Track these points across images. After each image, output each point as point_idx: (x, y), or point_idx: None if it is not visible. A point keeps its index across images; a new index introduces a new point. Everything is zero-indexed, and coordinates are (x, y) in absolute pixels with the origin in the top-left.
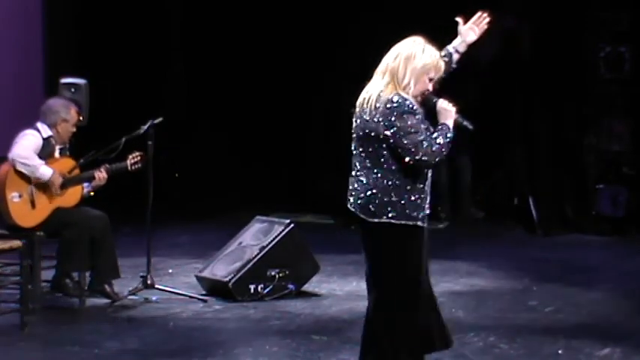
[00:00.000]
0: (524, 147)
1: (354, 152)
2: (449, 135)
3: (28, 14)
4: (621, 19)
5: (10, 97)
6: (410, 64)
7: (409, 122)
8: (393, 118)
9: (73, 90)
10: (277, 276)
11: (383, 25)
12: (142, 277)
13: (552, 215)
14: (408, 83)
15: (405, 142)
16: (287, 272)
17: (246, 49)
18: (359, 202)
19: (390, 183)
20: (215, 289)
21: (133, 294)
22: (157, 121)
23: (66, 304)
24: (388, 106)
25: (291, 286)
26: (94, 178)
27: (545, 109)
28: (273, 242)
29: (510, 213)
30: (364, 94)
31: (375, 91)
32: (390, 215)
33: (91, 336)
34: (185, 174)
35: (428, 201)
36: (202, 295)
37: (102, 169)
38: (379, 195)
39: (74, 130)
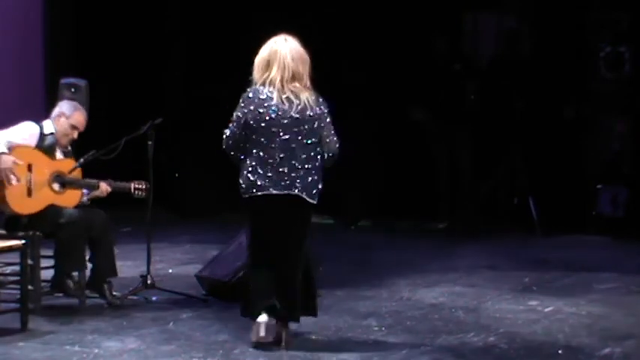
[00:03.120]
0: (524, 147)
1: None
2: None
3: (28, 14)
4: (621, 20)
5: (10, 97)
6: (307, 65)
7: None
8: (327, 113)
9: (73, 90)
10: None
11: None
12: (141, 277)
13: (552, 215)
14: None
15: (331, 135)
16: None
17: (246, 48)
18: (300, 188)
19: (320, 172)
20: (215, 289)
21: (133, 294)
22: (157, 121)
23: (66, 304)
24: (318, 101)
25: None
26: (96, 187)
27: (545, 109)
28: None
29: (510, 213)
30: (296, 100)
31: (307, 95)
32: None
33: (91, 336)
34: (185, 174)
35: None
36: (202, 295)
37: (108, 183)
38: (314, 181)
39: (73, 133)
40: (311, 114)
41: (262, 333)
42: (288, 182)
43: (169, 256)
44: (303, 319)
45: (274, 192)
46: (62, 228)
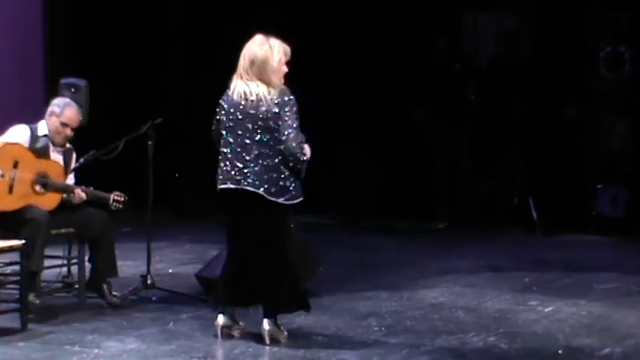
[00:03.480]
0: (524, 147)
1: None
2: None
3: (28, 14)
4: (621, 20)
5: (10, 97)
6: (268, 66)
7: (294, 115)
8: (287, 109)
9: (73, 90)
10: None
11: None
12: (141, 277)
13: (552, 215)
14: (273, 81)
15: (288, 129)
16: None
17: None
18: (255, 182)
19: (280, 168)
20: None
21: (133, 294)
22: (157, 121)
23: (66, 304)
24: (278, 98)
25: None
26: (72, 192)
27: (545, 109)
28: None
29: (510, 213)
30: (252, 96)
31: (262, 91)
32: (285, 197)
33: (91, 336)
34: (185, 174)
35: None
36: (202, 295)
37: (82, 191)
38: (272, 178)
39: (66, 131)
40: (265, 109)
41: (218, 334)
42: (240, 177)
43: (169, 256)
44: (303, 318)
45: (231, 186)
46: (25, 224)
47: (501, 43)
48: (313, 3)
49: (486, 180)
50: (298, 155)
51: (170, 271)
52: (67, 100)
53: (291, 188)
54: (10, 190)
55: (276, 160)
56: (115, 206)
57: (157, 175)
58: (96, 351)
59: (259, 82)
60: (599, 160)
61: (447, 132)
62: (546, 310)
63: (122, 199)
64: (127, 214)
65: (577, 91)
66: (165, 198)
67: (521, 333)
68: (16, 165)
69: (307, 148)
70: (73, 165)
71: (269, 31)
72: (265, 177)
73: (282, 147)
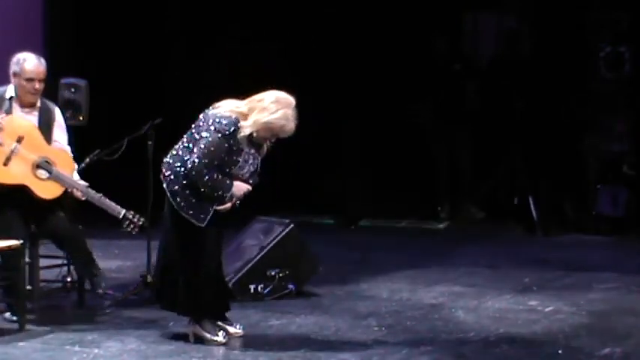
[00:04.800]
0: (524, 147)
1: None
2: (223, 192)
3: (28, 14)
4: (621, 20)
5: None
6: (260, 113)
7: (216, 142)
8: (213, 128)
9: (73, 90)
10: (277, 276)
11: None
12: (141, 277)
13: (552, 215)
14: (250, 127)
15: (200, 147)
16: (287, 272)
17: (247, 48)
18: (166, 168)
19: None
20: None
21: (133, 294)
22: (157, 121)
23: (66, 304)
24: (221, 118)
25: (291, 286)
26: (73, 189)
27: (545, 109)
28: (273, 242)
29: (510, 213)
30: (221, 103)
31: (228, 107)
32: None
33: (91, 336)
34: None
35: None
36: None
37: (84, 194)
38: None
39: (34, 85)
40: (209, 114)
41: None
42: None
43: None
44: (303, 316)
45: None
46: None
47: (501, 43)
48: (313, 3)
49: (486, 180)
50: (191, 176)
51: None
52: (25, 54)
53: (183, 202)
54: (7, 162)
55: (181, 173)
56: (129, 227)
57: (157, 175)
58: (96, 351)
59: (243, 106)
60: (599, 160)
61: (447, 132)
62: (546, 310)
63: (137, 221)
64: (130, 209)
65: (577, 91)
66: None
67: (521, 333)
68: (20, 140)
69: (239, 188)
70: (56, 123)
71: (269, 31)
72: (169, 187)
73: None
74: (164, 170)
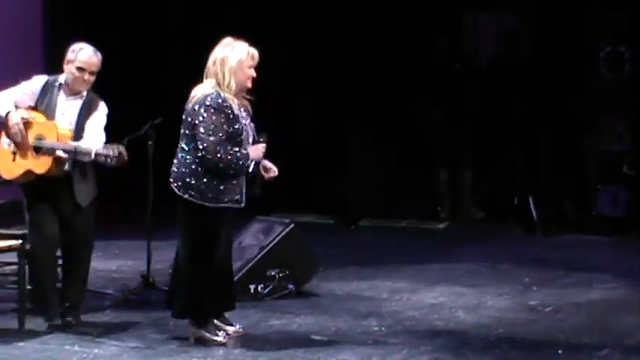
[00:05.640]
0: (524, 147)
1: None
2: (243, 162)
3: (28, 14)
4: (621, 20)
5: None
6: (226, 65)
7: (213, 117)
8: (202, 110)
9: None
10: (277, 276)
11: None
12: (142, 277)
13: (552, 215)
14: (230, 82)
15: (200, 133)
16: (287, 272)
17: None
18: (173, 175)
19: (192, 166)
20: None
21: (133, 294)
22: (157, 121)
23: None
24: (203, 98)
25: (291, 286)
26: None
27: (545, 109)
28: (273, 242)
29: (510, 213)
30: (193, 92)
31: (202, 90)
32: (190, 194)
33: (91, 336)
34: None
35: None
36: None
37: (62, 150)
38: (182, 173)
39: (83, 76)
40: (188, 107)
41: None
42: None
43: (169, 256)
44: (303, 316)
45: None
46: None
47: (501, 43)
48: (313, 3)
49: (486, 180)
50: (206, 157)
51: (170, 271)
52: (83, 44)
53: (191, 183)
54: (14, 157)
55: (188, 156)
56: (106, 162)
57: (157, 175)
58: (96, 351)
59: (210, 80)
60: (599, 160)
61: (447, 132)
62: (546, 310)
63: (112, 153)
64: (130, 209)
65: (577, 91)
66: (166, 198)
67: (521, 333)
68: (40, 138)
69: (255, 151)
70: (96, 113)
71: (269, 31)
72: (176, 170)
73: (199, 148)
74: (172, 180)
